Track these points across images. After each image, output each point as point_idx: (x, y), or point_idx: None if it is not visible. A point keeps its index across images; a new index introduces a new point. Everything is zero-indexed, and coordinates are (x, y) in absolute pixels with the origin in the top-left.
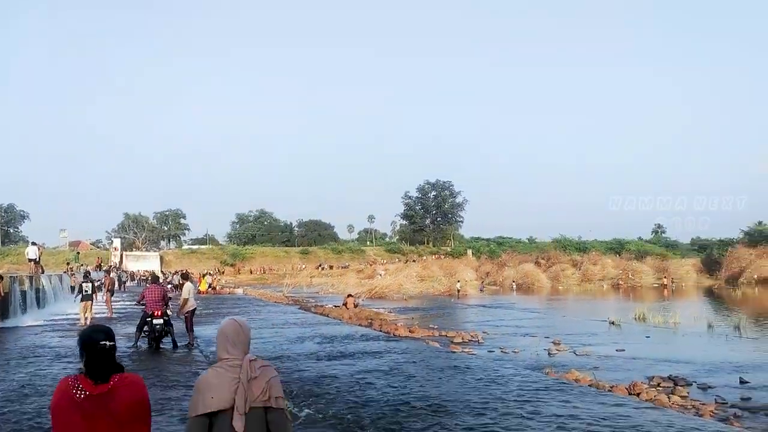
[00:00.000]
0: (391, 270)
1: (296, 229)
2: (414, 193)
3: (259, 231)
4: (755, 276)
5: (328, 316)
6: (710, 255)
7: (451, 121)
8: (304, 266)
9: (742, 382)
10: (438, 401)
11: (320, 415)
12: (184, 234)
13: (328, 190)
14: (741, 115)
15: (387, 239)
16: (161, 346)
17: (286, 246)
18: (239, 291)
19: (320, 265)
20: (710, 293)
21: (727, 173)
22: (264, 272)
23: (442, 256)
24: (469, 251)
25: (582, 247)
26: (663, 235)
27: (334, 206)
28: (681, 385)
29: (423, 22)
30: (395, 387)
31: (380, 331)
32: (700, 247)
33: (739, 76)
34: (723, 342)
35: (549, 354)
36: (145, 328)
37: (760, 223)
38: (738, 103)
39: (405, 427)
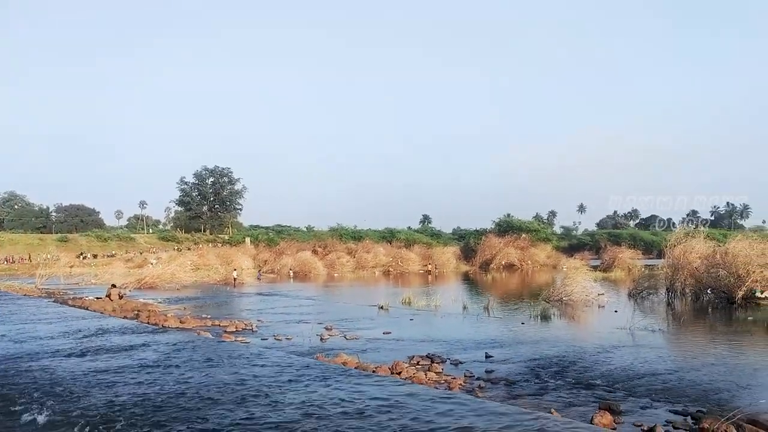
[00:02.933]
0: (164, 259)
1: (54, 214)
2: (191, 179)
3: (8, 216)
4: (503, 262)
5: (87, 308)
6: (468, 243)
7: (232, 108)
8: (58, 256)
9: (488, 356)
10: (201, 392)
11: (64, 418)
12: None
13: (93, 173)
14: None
15: (160, 226)
16: None
17: (42, 233)
18: None
19: (82, 254)
20: (467, 278)
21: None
22: (13, 262)
23: (220, 245)
24: (248, 239)
25: (357, 236)
26: (429, 225)
27: (100, 190)
28: (437, 362)
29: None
30: (156, 381)
31: (147, 323)
32: (460, 236)
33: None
34: (474, 321)
35: (321, 339)
36: None
37: (508, 215)
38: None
39: (162, 423)
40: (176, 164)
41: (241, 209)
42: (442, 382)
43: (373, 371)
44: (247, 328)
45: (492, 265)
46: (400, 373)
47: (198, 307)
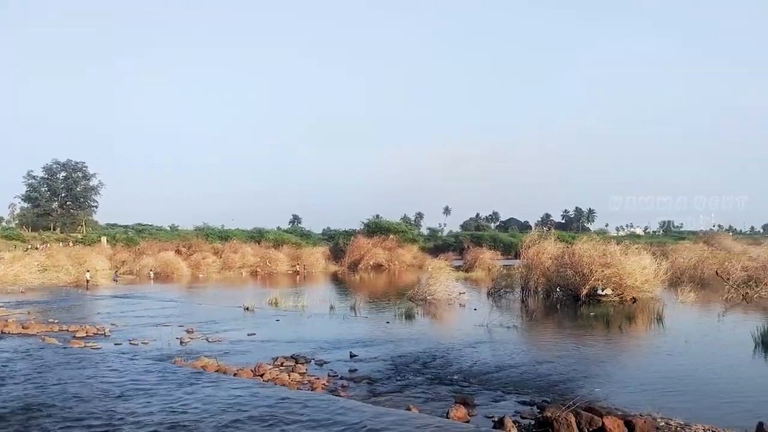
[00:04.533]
0: (7, 259)
1: None
2: (39, 173)
3: None
4: (371, 262)
5: None
6: (337, 244)
7: (86, 100)
8: None
9: (352, 356)
10: (37, 404)
11: None
12: None
13: None
14: None
15: (3, 224)
16: None
17: None
18: None
19: None
20: (335, 278)
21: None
22: None
23: (72, 244)
24: (104, 238)
25: (224, 236)
26: (299, 225)
27: None
28: (301, 363)
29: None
30: None
31: None
32: (329, 236)
33: None
34: (341, 321)
35: (181, 343)
36: None
37: (377, 216)
38: None
39: None
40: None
41: (96, 207)
42: (306, 382)
43: (235, 374)
44: (100, 332)
45: (360, 266)
46: (263, 375)
47: (45, 311)
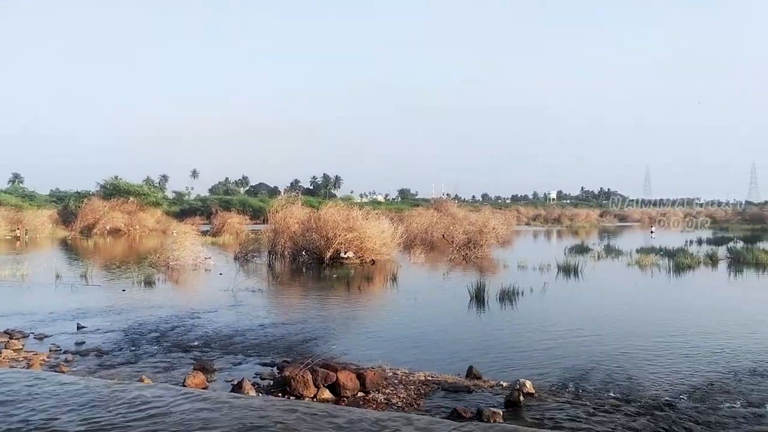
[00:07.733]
0: None
1: None
2: None
3: None
4: (108, 227)
5: None
6: (67, 206)
7: None
8: None
9: (80, 327)
10: None
11: None
12: None
13: None
14: None
15: None
16: None
17: None
18: None
19: None
20: (65, 244)
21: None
22: None
23: None
24: None
25: None
26: (21, 185)
27: None
28: (17, 338)
29: None
30: None
31: None
32: (58, 198)
33: None
34: (69, 291)
35: None
36: None
37: (116, 177)
38: None
39: None
40: None
41: None
42: (21, 359)
43: None
44: None
45: (95, 230)
46: None
47: None
